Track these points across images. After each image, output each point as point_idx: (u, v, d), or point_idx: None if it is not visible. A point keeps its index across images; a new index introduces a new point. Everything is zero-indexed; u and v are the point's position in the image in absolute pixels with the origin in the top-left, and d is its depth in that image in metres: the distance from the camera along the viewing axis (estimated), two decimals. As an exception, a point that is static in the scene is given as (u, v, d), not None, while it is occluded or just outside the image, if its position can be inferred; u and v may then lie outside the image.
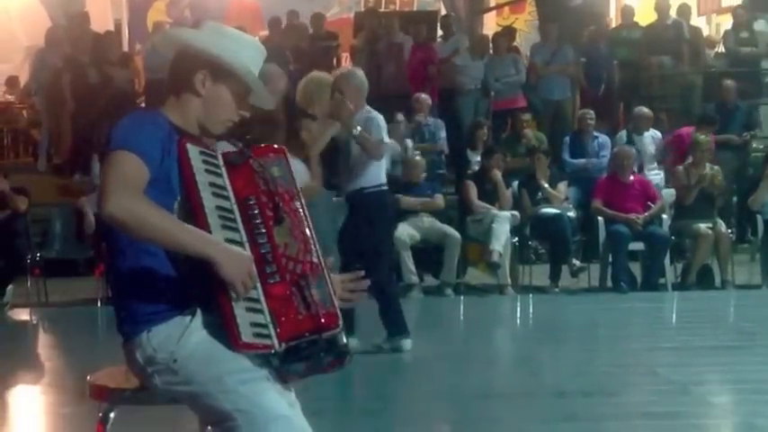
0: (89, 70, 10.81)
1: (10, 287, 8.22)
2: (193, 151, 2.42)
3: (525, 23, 15.24)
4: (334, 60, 12.25)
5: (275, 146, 2.60)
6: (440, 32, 12.64)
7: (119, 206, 2.26)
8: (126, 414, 2.76)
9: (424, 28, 12.27)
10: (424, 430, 4.51)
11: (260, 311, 2.36)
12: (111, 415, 2.72)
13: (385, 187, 5.96)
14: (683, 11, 11.91)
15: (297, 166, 4.30)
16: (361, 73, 6.03)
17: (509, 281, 8.45)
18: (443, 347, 6.40)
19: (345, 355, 2.46)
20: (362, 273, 2.69)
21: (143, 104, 11.30)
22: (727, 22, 13.05)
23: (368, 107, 5.91)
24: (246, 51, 2.56)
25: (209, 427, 2.72)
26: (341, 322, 2.42)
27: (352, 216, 5.85)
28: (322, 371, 2.45)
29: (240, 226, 2.41)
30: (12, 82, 13.94)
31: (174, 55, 2.57)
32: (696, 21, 13.19)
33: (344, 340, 2.45)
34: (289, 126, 4.82)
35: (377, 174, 5.86)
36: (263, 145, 2.58)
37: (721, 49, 12.32)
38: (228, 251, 2.33)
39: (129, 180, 2.30)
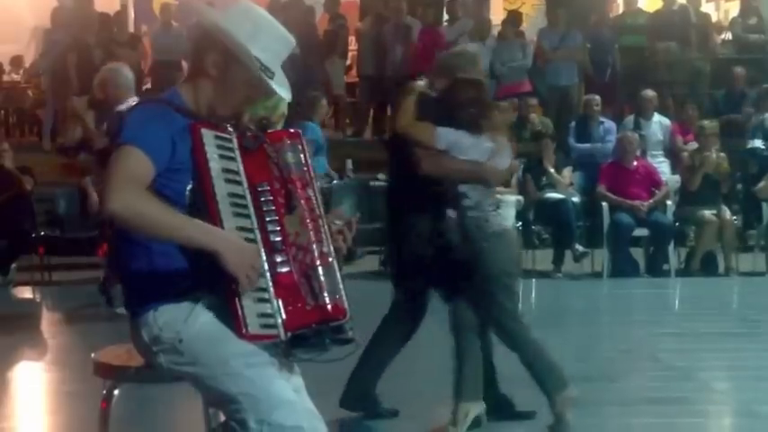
0: (95, 51, 10.77)
1: (14, 266, 8.24)
2: (208, 136, 2.38)
3: (532, 8, 15.17)
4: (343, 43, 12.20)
5: (291, 130, 2.55)
6: (446, 16, 12.58)
7: (121, 204, 2.26)
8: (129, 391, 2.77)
9: (431, 11, 12.22)
10: (424, 411, 4.53)
11: (267, 301, 2.36)
12: (116, 392, 2.73)
13: None
14: (692, -4, 11.84)
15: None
16: None
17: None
18: (445, 331, 6.39)
19: (349, 344, 2.47)
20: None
21: (149, 87, 11.28)
22: (735, 9, 12.97)
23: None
24: (265, 40, 2.44)
25: (212, 409, 2.73)
26: (348, 312, 2.43)
27: None
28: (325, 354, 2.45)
29: (252, 213, 2.39)
30: (17, 62, 13.94)
31: (190, 30, 2.54)
32: (704, 7, 13.11)
33: (350, 329, 2.45)
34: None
35: None
36: (277, 129, 2.56)
37: (729, 36, 12.24)
38: (233, 243, 2.31)
39: (133, 177, 2.28)
